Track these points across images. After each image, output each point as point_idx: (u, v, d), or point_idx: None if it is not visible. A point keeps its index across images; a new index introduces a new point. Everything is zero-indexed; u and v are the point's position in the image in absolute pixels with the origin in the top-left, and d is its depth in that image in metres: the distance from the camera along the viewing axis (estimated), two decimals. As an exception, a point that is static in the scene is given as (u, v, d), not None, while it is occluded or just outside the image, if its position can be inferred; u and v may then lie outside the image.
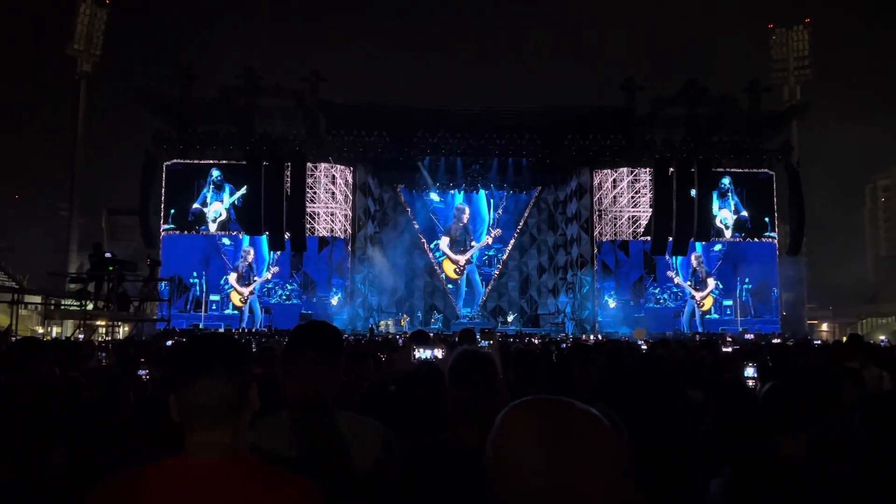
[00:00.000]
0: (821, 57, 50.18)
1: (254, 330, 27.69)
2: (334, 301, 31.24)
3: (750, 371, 5.77)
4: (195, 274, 30.93)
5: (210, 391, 1.66)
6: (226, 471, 1.62)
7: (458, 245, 35.59)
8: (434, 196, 34.87)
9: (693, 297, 32.22)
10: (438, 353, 3.72)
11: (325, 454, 2.13)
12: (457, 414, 2.45)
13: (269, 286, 31.40)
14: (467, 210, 35.47)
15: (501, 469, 1.16)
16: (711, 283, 32.37)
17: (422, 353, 3.72)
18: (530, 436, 1.15)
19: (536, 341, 17.22)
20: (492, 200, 35.48)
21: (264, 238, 30.48)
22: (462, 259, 35.55)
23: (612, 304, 31.74)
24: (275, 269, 31.25)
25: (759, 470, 2.76)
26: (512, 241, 36.01)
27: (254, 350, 9.69)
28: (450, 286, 35.70)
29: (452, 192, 34.74)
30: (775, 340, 16.81)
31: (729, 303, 32.34)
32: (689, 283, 32.34)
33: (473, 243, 35.59)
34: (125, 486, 1.62)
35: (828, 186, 53.39)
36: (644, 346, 12.08)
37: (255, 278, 31.36)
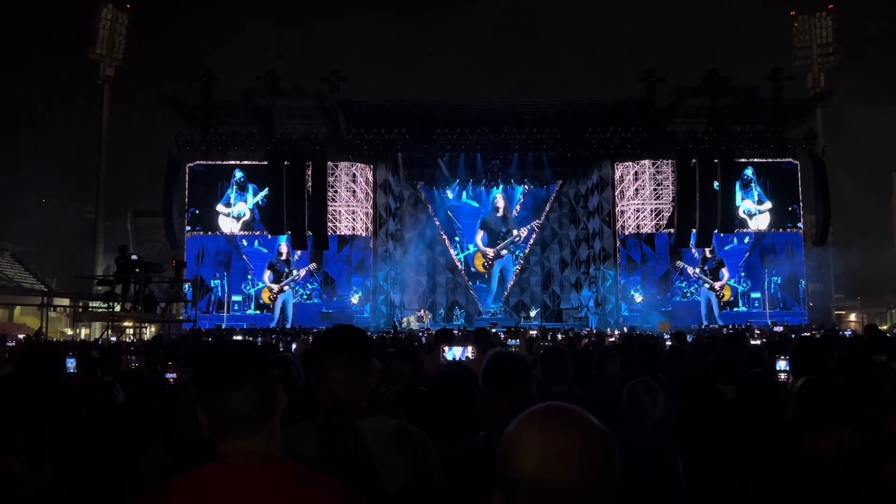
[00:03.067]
0: (845, 43, 49.01)
1: (280, 328, 27.74)
2: (354, 300, 31.21)
3: (781, 364, 5.66)
4: (216, 275, 31.17)
5: (243, 402, 1.65)
6: (267, 476, 1.62)
7: (495, 237, 35.46)
8: (449, 194, 34.86)
9: (713, 289, 31.73)
10: (469, 352, 3.67)
11: (356, 462, 2.10)
12: (491, 419, 2.40)
13: (291, 285, 31.54)
14: (503, 201, 35.34)
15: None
16: (725, 271, 31.80)
17: (452, 353, 3.66)
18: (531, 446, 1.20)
19: (560, 336, 17.12)
20: (512, 194, 35.38)
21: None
22: (491, 252, 35.47)
23: (638, 298, 31.31)
24: (312, 266, 31.18)
25: (786, 469, 2.68)
26: (533, 236, 35.86)
27: (281, 350, 9.77)
28: (471, 283, 35.59)
29: (473, 187, 34.66)
30: (805, 333, 16.59)
31: (757, 295, 31.83)
32: (697, 269, 31.75)
33: (514, 231, 35.41)
34: (165, 496, 1.61)
35: (854, 175, 52.23)
36: (668, 341, 11.96)
37: (294, 272, 31.40)
